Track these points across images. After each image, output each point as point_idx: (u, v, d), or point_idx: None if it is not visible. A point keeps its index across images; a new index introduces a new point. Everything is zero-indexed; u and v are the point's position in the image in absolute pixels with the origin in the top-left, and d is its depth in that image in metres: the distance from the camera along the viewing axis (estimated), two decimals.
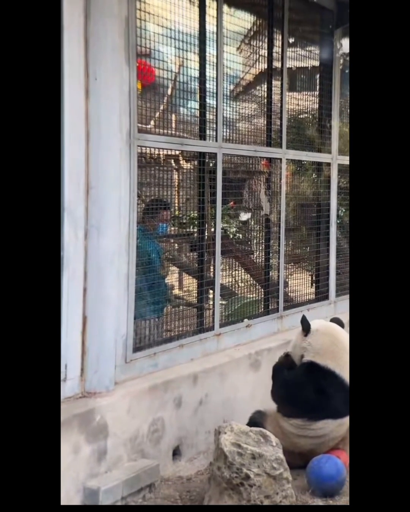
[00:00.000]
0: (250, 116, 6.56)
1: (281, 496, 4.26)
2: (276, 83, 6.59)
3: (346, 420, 4.87)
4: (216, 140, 5.62)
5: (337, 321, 5.37)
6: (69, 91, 4.25)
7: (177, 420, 4.95)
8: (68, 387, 4.32)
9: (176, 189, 6.40)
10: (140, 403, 4.62)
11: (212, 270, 5.77)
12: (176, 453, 4.98)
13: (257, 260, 6.88)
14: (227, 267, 6.55)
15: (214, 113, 5.63)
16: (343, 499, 4.56)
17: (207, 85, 5.56)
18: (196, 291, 5.74)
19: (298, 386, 4.96)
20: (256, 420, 4.98)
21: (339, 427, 4.86)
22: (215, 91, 5.62)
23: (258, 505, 3.64)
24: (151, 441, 4.71)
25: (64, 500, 4.01)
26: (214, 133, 5.64)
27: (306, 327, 5.07)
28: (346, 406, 4.81)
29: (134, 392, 4.60)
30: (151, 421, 4.71)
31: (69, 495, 4.06)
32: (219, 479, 4.22)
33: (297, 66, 7.49)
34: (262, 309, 6.49)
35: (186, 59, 5.45)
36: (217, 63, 5.64)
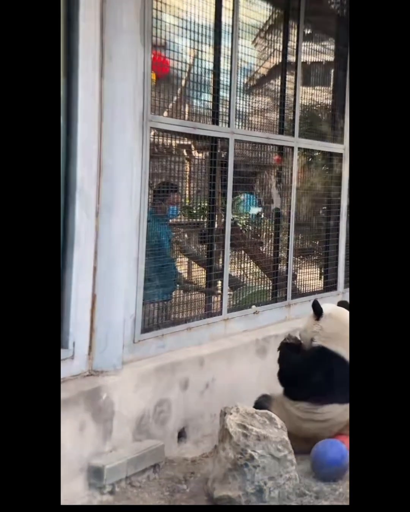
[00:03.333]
0: (263, 109, 6.57)
1: (285, 478, 4.28)
2: (290, 77, 6.60)
3: None
4: (229, 125, 5.63)
5: (344, 304, 5.39)
6: (84, 71, 4.26)
7: (183, 402, 4.97)
8: (76, 365, 4.34)
9: (187, 180, 6.42)
10: (147, 384, 4.64)
11: (221, 259, 5.80)
12: (182, 435, 5.00)
13: (267, 252, 6.89)
14: (237, 258, 6.56)
15: (227, 105, 5.65)
16: (346, 484, 4.57)
17: (221, 78, 5.58)
18: (205, 277, 5.76)
19: (306, 369, 4.99)
20: (262, 404, 5.00)
21: (345, 412, 4.87)
22: (228, 83, 5.64)
23: (258, 505, 3.64)
24: (157, 422, 4.74)
25: (69, 477, 4.04)
26: (227, 118, 5.66)
27: (318, 311, 5.09)
28: None
29: (141, 372, 4.63)
30: (157, 402, 4.73)
31: (73, 472, 4.08)
32: (223, 460, 4.24)
33: (312, 60, 7.51)
34: (270, 297, 6.51)
35: (201, 51, 5.46)
36: (231, 56, 5.65)
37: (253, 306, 6.13)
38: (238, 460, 4.19)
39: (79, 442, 4.12)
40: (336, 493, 4.44)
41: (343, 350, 4.94)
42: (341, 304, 5.46)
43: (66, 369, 4.27)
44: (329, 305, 5.26)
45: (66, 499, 3.99)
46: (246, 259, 6.80)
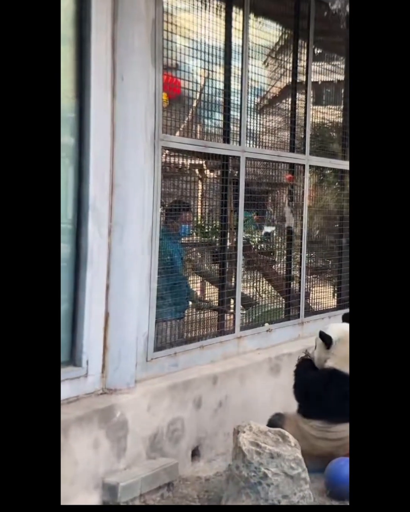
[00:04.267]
0: (274, 128, 6.60)
1: (299, 496, 4.26)
2: (300, 96, 6.65)
3: None
4: (239, 144, 5.66)
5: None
6: (96, 91, 4.32)
7: (196, 421, 4.96)
8: (89, 383, 4.35)
9: (200, 199, 6.45)
10: (160, 402, 4.64)
11: (233, 278, 5.81)
12: (195, 453, 4.99)
13: (280, 271, 6.89)
14: (249, 277, 6.57)
15: (238, 124, 5.69)
16: None
17: (232, 98, 5.63)
18: (217, 295, 5.77)
19: (319, 389, 4.97)
20: (275, 422, 4.98)
21: None
22: (239, 103, 5.68)
23: (258, 505, 3.62)
24: (171, 440, 4.73)
25: (84, 495, 4.05)
26: (238, 138, 5.69)
27: (328, 341, 5.06)
28: None
29: (155, 390, 4.63)
30: (170, 420, 4.72)
31: (88, 490, 4.09)
32: (237, 478, 4.23)
33: (322, 80, 7.56)
34: (283, 315, 6.50)
35: (212, 71, 5.52)
36: (242, 76, 5.70)
37: (266, 324, 6.12)
38: (252, 478, 4.17)
39: (93, 460, 4.12)
40: None
41: None
42: (346, 317, 5.45)
43: (80, 387, 4.29)
44: (336, 328, 5.22)
45: None
46: (259, 278, 6.79)
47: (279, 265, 6.97)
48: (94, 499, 4.12)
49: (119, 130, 4.42)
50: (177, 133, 5.15)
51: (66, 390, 4.15)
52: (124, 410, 4.35)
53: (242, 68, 5.70)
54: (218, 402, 5.19)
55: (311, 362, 5.22)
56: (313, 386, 5.01)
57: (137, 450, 4.46)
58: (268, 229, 7.58)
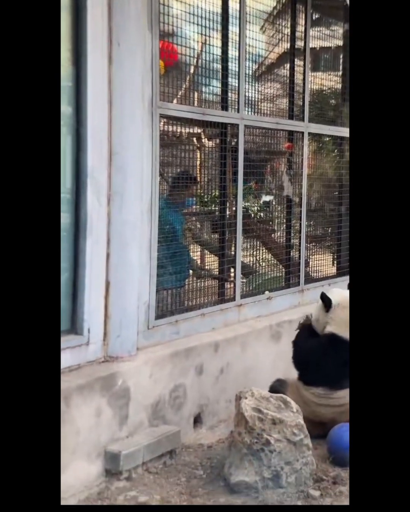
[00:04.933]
0: (272, 95, 6.54)
1: (302, 463, 4.28)
2: (299, 62, 6.57)
3: None
4: (238, 111, 5.61)
5: None
6: (93, 58, 4.26)
7: (198, 388, 4.98)
8: (91, 351, 4.35)
9: (198, 168, 6.41)
10: (162, 369, 4.66)
11: (233, 247, 5.80)
12: (197, 420, 5.02)
13: (279, 239, 6.88)
14: (249, 245, 6.56)
15: (236, 92, 5.63)
16: None
17: (230, 64, 5.56)
18: (218, 264, 5.76)
19: (320, 356, 4.98)
20: (277, 388, 4.99)
21: None
22: (237, 70, 5.62)
23: (259, 505, 3.62)
24: (173, 407, 4.75)
25: (86, 464, 4.07)
26: (236, 105, 5.64)
27: (327, 303, 5.07)
28: None
29: (156, 358, 4.64)
30: (172, 387, 4.74)
31: (90, 458, 4.10)
32: (239, 445, 4.25)
33: (321, 45, 7.48)
34: (283, 283, 6.50)
35: (209, 37, 5.44)
36: (239, 42, 5.62)
37: (266, 292, 6.13)
38: (254, 445, 4.19)
39: (95, 428, 4.14)
40: None
41: None
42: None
43: (82, 356, 4.30)
44: (337, 293, 5.23)
45: (83, 485, 4.03)
46: (258, 246, 6.78)
47: (278, 233, 6.95)
48: (96, 468, 4.15)
49: (117, 97, 4.38)
50: (175, 101, 5.09)
51: (68, 359, 4.15)
52: (126, 378, 4.36)
53: (239, 34, 5.63)
54: (220, 369, 5.20)
55: (310, 329, 5.23)
56: (313, 354, 5.02)
57: (139, 418, 4.48)
58: (267, 198, 7.54)
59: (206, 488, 4.26)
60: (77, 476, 3.99)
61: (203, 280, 5.80)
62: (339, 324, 5.01)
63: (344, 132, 7.28)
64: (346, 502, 4.10)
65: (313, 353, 5.03)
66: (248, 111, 5.81)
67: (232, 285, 5.80)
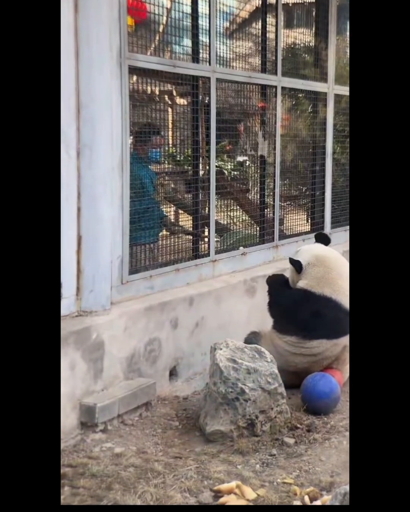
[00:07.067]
0: (245, 52, 6.46)
1: (276, 411, 4.34)
2: (271, 19, 6.49)
3: (340, 341, 4.92)
4: (209, 64, 5.54)
5: (321, 236, 5.42)
6: None
7: (173, 341, 5.00)
8: (64, 305, 4.34)
9: (170, 127, 6.35)
10: (137, 323, 4.66)
11: (207, 206, 5.77)
12: (173, 373, 5.04)
13: (253, 198, 6.86)
14: (223, 204, 6.54)
15: (208, 49, 5.54)
16: (337, 417, 4.63)
17: (200, 21, 5.46)
18: (192, 223, 5.73)
19: (293, 307, 5.02)
20: (251, 340, 5.04)
21: (333, 346, 4.92)
22: (208, 27, 5.53)
23: (258, 505, 3.63)
24: (148, 360, 4.77)
25: (61, 417, 4.07)
26: (208, 59, 5.57)
27: (298, 266, 5.08)
28: (341, 327, 4.88)
29: (131, 312, 4.64)
30: (147, 341, 4.76)
31: (65, 411, 4.11)
32: (214, 395, 4.28)
33: (293, 1, 7.41)
34: (258, 240, 6.51)
35: None
36: None
37: (241, 248, 6.13)
38: (229, 394, 4.23)
39: (70, 382, 4.14)
40: (327, 426, 4.49)
41: (329, 290, 4.98)
42: (318, 236, 5.46)
43: None
44: (306, 251, 5.24)
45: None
46: (233, 206, 6.77)
47: (253, 192, 6.93)
48: (70, 421, 4.16)
49: (83, 48, 4.31)
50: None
51: None
52: (100, 332, 4.36)
53: None
54: (195, 323, 5.22)
55: (284, 277, 5.26)
56: (287, 304, 5.06)
57: (114, 371, 4.50)
58: (241, 157, 7.52)
59: (182, 438, 4.30)
60: None
61: (177, 236, 5.79)
62: (311, 280, 5.04)
63: (318, 87, 7.24)
64: (319, 449, 4.16)
65: (288, 304, 5.06)
66: (219, 66, 5.73)
67: (206, 242, 5.79)
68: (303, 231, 7.21)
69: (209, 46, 5.54)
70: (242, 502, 3.52)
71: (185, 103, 6.57)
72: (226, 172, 7.39)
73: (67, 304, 4.37)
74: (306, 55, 7.50)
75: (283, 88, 6.63)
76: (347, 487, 3.04)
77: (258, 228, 6.60)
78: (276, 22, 6.49)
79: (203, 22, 5.54)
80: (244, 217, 6.83)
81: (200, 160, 5.70)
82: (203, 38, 5.54)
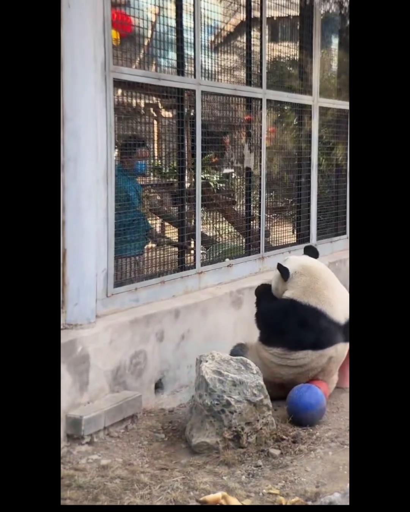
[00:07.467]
0: (230, 65, 6.49)
1: (262, 423, 4.34)
2: (256, 33, 6.53)
3: (326, 351, 4.93)
4: (195, 77, 5.57)
5: (310, 249, 5.44)
6: None
7: (159, 354, 4.99)
8: None
9: (156, 140, 6.36)
10: (122, 336, 4.66)
11: (193, 219, 5.78)
12: (159, 386, 5.03)
13: (240, 209, 6.88)
14: (209, 216, 6.55)
15: (193, 62, 5.57)
16: (322, 428, 4.64)
17: (185, 35, 5.49)
18: (178, 234, 5.74)
19: (280, 319, 5.03)
20: (238, 352, 5.04)
21: (319, 357, 4.92)
22: (193, 41, 5.56)
23: (258, 505, 3.62)
24: (133, 373, 4.76)
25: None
26: (193, 72, 5.60)
27: (285, 273, 5.10)
28: (327, 338, 4.90)
29: (116, 325, 4.64)
30: (133, 354, 4.75)
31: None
32: (200, 407, 4.28)
33: (278, 16, 7.44)
34: (244, 251, 6.52)
35: (163, 8, 5.37)
36: (194, 12, 5.55)
37: (227, 260, 6.14)
38: (215, 406, 4.23)
39: None
40: (313, 437, 4.50)
41: (314, 300, 4.99)
42: (307, 249, 5.49)
43: None
44: (294, 260, 5.26)
45: None
46: (219, 218, 6.79)
47: (239, 204, 6.95)
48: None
49: (67, 60, 4.32)
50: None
51: None
52: (85, 345, 4.36)
53: (194, 4, 5.55)
54: (181, 336, 5.22)
55: (271, 292, 5.27)
56: (274, 315, 5.07)
57: (100, 384, 4.49)
58: (227, 170, 7.54)
59: (168, 450, 4.30)
60: None
61: (162, 248, 5.79)
62: (297, 290, 5.05)
63: (303, 99, 7.28)
64: (305, 460, 4.16)
65: (274, 315, 5.07)
66: (204, 79, 5.76)
67: (192, 253, 5.80)
68: (289, 242, 7.24)
69: (194, 59, 5.57)
70: None
71: (171, 115, 6.58)
72: (212, 184, 7.40)
73: None
74: (291, 68, 7.56)
75: (268, 100, 6.67)
76: (332, 497, 3.05)
77: (244, 240, 6.62)
78: (261, 35, 6.53)
79: (188, 36, 5.57)
80: (230, 229, 6.85)
81: (186, 172, 5.72)
82: (188, 52, 5.57)
